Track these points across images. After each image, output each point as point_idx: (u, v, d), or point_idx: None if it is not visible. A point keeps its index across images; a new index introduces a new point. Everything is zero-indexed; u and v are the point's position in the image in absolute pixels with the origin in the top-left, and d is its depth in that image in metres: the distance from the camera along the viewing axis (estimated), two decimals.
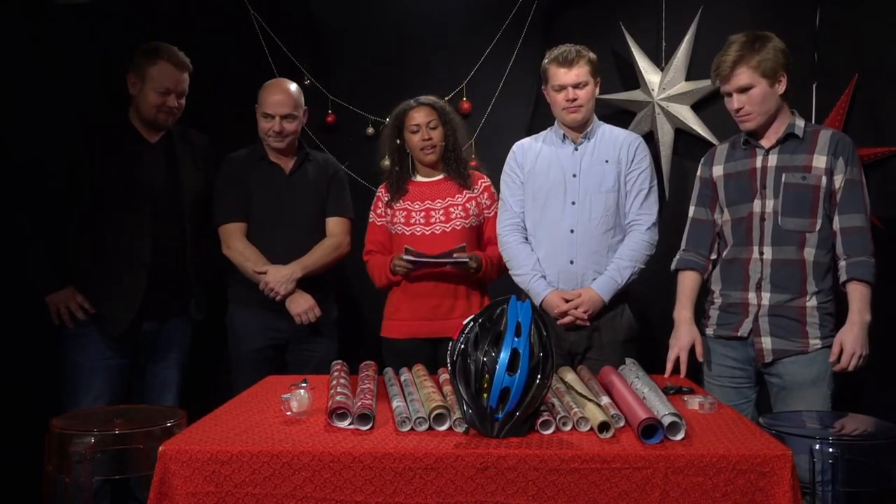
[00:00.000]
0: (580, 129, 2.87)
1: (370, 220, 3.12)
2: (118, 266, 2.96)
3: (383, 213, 3.08)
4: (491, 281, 3.09)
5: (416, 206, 3.03)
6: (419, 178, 3.10)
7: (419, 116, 2.99)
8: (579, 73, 2.76)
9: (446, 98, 3.30)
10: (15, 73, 3.12)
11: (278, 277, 3.01)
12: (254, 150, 3.18)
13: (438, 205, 3.02)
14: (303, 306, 3.04)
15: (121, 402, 2.98)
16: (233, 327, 3.17)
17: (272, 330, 3.12)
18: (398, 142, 3.05)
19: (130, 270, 2.96)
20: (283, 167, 3.15)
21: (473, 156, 3.16)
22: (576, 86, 2.77)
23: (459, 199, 3.04)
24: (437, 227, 2.99)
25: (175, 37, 3.29)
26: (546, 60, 2.83)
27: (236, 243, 3.08)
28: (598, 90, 2.86)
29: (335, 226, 3.18)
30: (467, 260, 2.87)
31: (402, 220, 3.01)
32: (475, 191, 3.07)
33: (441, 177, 3.08)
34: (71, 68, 3.31)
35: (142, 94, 2.97)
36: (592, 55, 2.82)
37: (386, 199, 3.08)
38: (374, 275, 3.08)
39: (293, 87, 3.14)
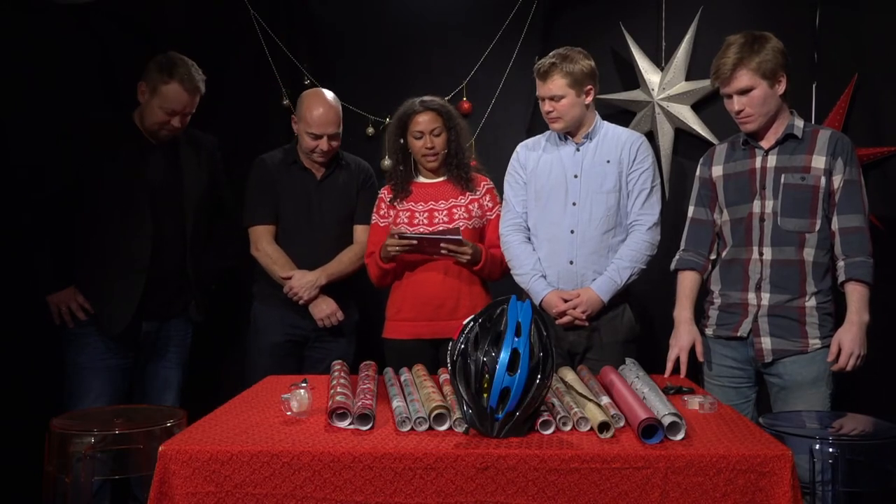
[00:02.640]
0: (580, 131, 2.87)
1: (373, 222, 3.12)
2: (117, 266, 2.96)
3: (386, 214, 3.08)
4: (493, 280, 3.09)
5: (420, 207, 3.03)
6: (422, 180, 3.10)
7: (423, 122, 2.98)
8: (552, 86, 2.76)
9: (446, 98, 3.30)
10: (16, 74, 3.12)
11: (303, 283, 3.06)
12: (287, 152, 3.22)
13: (442, 206, 3.03)
14: (325, 311, 3.10)
15: (122, 402, 2.97)
16: (255, 322, 3.22)
17: (293, 327, 3.17)
18: (402, 141, 3.05)
19: (129, 271, 2.96)
20: (314, 173, 3.19)
21: (473, 155, 3.16)
22: (551, 98, 2.78)
23: (462, 201, 3.04)
24: (441, 228, 2.99)
25: (175, 37, 3.30)
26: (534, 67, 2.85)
27: (265, 246, 3.13)
28: (588, 98, 2.81)
29: (362, 233, 3.22)
30: (460, 237, 2.87)
31: (406, 221, 3.01)
32: (477, 193, 3.08)
33: (443, 178, 3.09)
34: (71, 68, 3.30)
35: (148, 107, 2.95)
36: (577, 66, 2.75)
37: (389, 199, 3.09)
38: (370, 272, 3.08)
39: (334, 100, 3.13)
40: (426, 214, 3.02)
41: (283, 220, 3.17)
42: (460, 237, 2.87)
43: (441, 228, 2.98)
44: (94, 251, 2.97)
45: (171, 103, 2.93)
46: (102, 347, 2.97)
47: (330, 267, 3.13)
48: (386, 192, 3.12)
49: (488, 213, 3.08)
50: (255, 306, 3.25)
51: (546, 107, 2.80)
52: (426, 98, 3.03)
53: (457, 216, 3.01)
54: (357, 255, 3.18)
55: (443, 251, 2.87)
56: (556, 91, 2.76)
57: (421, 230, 2.98)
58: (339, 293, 3.15)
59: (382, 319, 3.11)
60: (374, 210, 3.13)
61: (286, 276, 3.08)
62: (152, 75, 2.94)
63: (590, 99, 2.84)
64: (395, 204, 3.06)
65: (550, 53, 2.81)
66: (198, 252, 3.13)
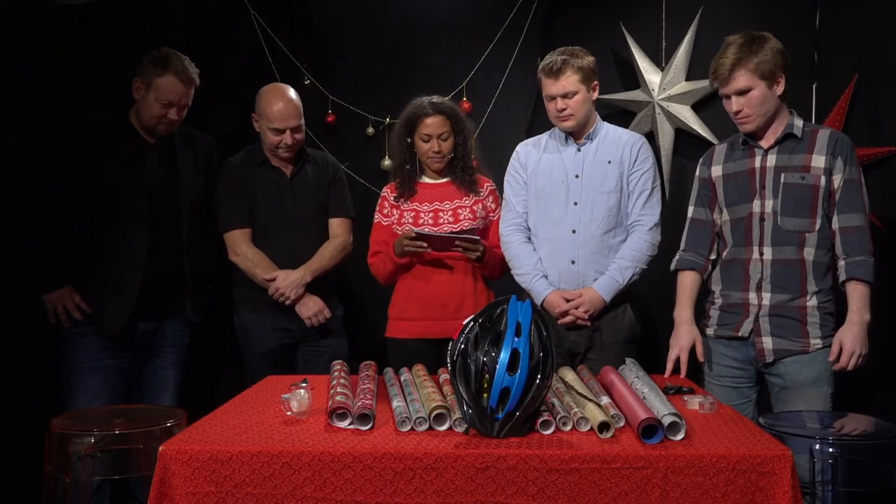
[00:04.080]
0: (582, 131, 2.87)
1: (375, 221, 3.11)
2: (114, 266, 2.96)
3: (389, 213, 3.08)
4: (494, 279, 3.09)
5: (425, 207, 3.03)
6: (426, 180, 3.10)
7: (432, 125, 2.98)
8: (566, 83, 2.75)
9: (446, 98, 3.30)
10: (15, 74, 3.12)
11: (288, 282, 3.04)
12: (252, 153, 3.18)
13: (447, 206, 3.03)
14: (312, 309, 3.08)
15: (120, 403, 2.97)
16: (243, 330, 3.19)
17: (283, 330, 3.14)
18: (409, 140, 3.05)
19: (126, 270, 2.96)
20: (284, 171, 3.17)
21: (473, 155, 3.16)
22: (564, 96, 2.77)
23: (467, 202, 3.05)
24: (446, 228, 2.99)
25: (175, 37, 3.30)
26: (538, 69, 2.84)
27: (244, 249, 3.10)
28: (594, 94, 2.84)
29: (338, 226, 3.21)
30: (478, 238, 2.89)
31: (411, 221, 3.01)
32: (481, 194, 3.08)
33: (447, 179, 3.09)
34: (71, 68, 3.31)
35: (144, 102, 2.97)
36: (584, 61, 2.78)
37: (393, 198, 3.08)
38: (379, 271, 3.06)
39: (293, 93, 3.12)
40: (431, 215, 3.02)
41: (259, 222, 3.13)
42: (478, 237, 2.90)
43: (456, 229, 2.97)
44: (91, 250, 2.97)
45: (168, 95, 2.94)
46: (99, 347, 2.97)
47: (313, 263, 3.10)
48: (389, 190, 3.11)
49: (491, 215, 3.09)
50: (240, 315, 3.20)
51: (558, 105, 2.78)
52: (436, 100, 3.02)
53: (461, 217, 3.01)
54: (337, 249, 3.16)
55: (455, 248, 2.88)
56: (570, 87, 2.76)
57: (426, 231, 2.97)
58: (321, 291, 3.13)
59: (381, 318, 3.11)
60: (378, 209, 3.12)
61: (269, 277, 3.05)
62: (147, 70, 2.96)
63: (595, 95, 2.85)
64: (400, 203, 3.06)
65: (555, 52, 2.81)
66: (195, 252, 3.13)
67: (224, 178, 3.15)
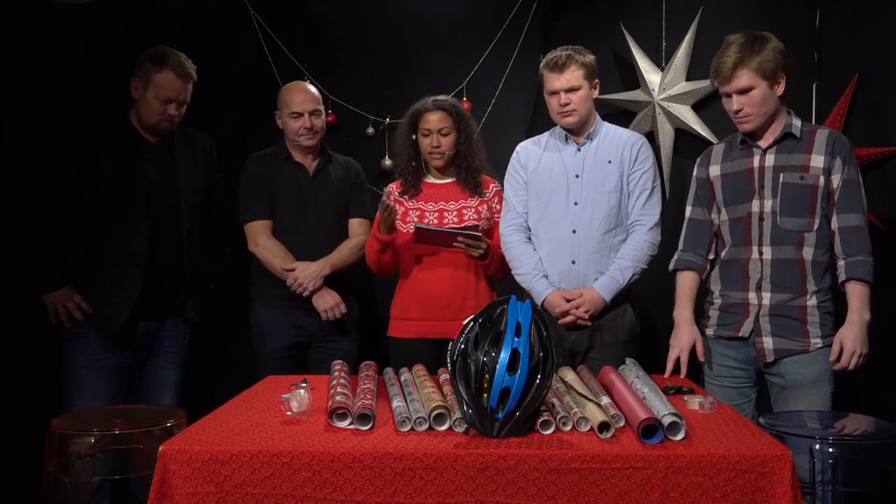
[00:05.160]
0: (583, 130, 2.87)
1: (377, 217, 3.11)
2: (114, 265, 2.96)
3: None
4: (498, 279, 3.09)
5: (430, 207, 3.04)
6: (431, 179, 3.10)
7: (433, 121, 2.99)
8: (570, 77, 2.76)
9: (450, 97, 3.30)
10: (15, 74, 3.12)
11: (307, 273, 3.07)
12: (277, 149, 3.23)
13: (452, 206, 3.03)
14: (329, 303, 3.10)
15: (120, 403, 2.97)
16: (257, 327, 3.21)
17: (298, 328, 3.17)
18: (413, 138, 3.06)
19: (126, 270, 2.96)
20: (307, 168, 3.20)
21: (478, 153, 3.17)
22: (568, 90, 2.77)
23: (472, 203, 3.05)
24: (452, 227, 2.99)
25: (175, 37, 3.30)
26: (541, 65, 2.84)
27: (264, 240, 3.13)
28: (595, 92, 2.85)
29: (358, 226, 3.25)
30: (480, 234, 2.89)
31: (415, 220, 3.01)
32: (486, 195, 3.08)
33: (452, 179, 3.09)
34: (71, 68, 3.31)
35: (144, 100, 2.98)
36: (587, 58, 2.80)
37: (397, 193, 3.08)
38: (368, 255, 3.06)
39: (311, 86, 3.22)
40: (436, 214, 3.02)
41: (279, 216, 3.17)
42: (479, 234, 2.90)
43: (461, 225, 2.98)
44: (91, 250, 2.97)
45: (166, 91, 2.95)
46: (100, 347, 2.97)
47: (332, 257, 3.13)
48: (395, 186, 3.12)
49: (496, 216, 3.08)
50: (256, 310, 3.22)
51: (562, 100, 2.78)
52: (439, 97, 3.05)
53: (467, 217, 3.02)
54: (357, 247, 3.19)
55: (457, 244, 2.88)
56: (574, 82, 2.76)
57: (429, 225, 2.96)
58: (338, 288, 3.15)
59: (387, 317, 3.11)
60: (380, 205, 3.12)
61: (288, 268, 3.08)
62: (144, 67, 2.97)
63: (596, 93, 2.86)
64: (405, 200, 3.06)
65: (557, 49, 2.82)
66: (195, 251, 3.13)
67: (246, 172, 3.20)
